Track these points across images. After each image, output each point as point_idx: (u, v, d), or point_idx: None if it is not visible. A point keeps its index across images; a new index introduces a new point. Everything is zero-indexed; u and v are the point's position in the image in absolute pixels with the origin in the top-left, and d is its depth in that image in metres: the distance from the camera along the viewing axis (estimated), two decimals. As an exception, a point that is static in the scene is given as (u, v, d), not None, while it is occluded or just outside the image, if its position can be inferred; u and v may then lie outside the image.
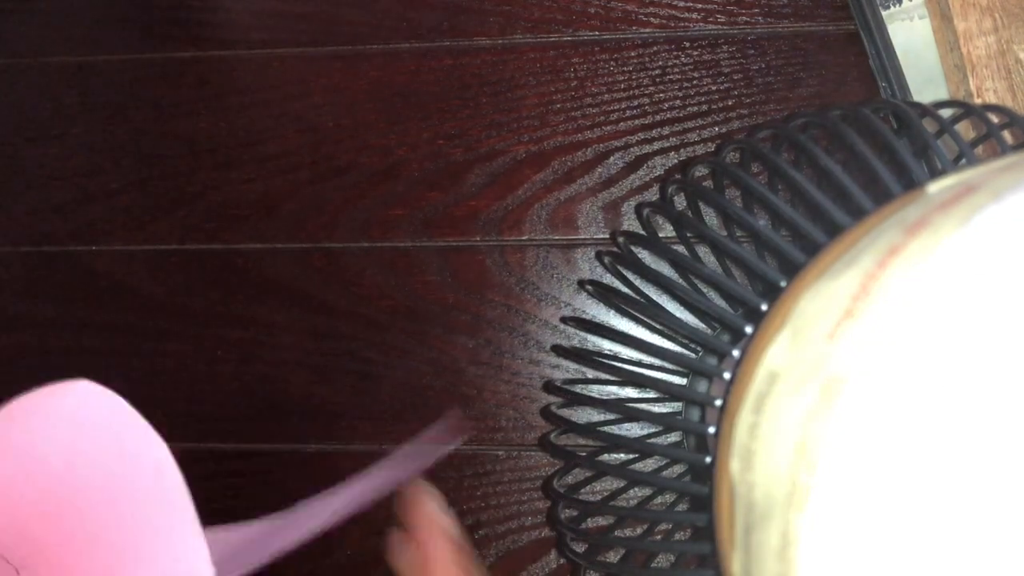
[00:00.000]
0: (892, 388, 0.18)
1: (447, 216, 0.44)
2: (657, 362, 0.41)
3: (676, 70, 0.44)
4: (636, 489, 0.41)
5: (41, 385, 0.25)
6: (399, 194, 0.45)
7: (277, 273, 0.45)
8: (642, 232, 0.37)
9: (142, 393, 0.48)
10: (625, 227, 0.44)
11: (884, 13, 0.40)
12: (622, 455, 0.41)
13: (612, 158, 0.44)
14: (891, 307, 0.19)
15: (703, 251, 0.42)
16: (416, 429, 0.44)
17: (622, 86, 0.44)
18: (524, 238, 0.44)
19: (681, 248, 0.39)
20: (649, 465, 0.40)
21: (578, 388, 0.43)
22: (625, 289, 0.40)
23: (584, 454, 0.38)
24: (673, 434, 0.41)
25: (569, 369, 0.44)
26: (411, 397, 0.44)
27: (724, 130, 0.43)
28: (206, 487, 0.44)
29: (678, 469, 0.39)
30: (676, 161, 0.44)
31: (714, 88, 0.44)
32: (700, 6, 0.44)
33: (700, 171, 0.42)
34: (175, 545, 0.23)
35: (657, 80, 0.44)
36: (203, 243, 0.46)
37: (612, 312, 0.44)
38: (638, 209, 0.43)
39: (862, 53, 0.42)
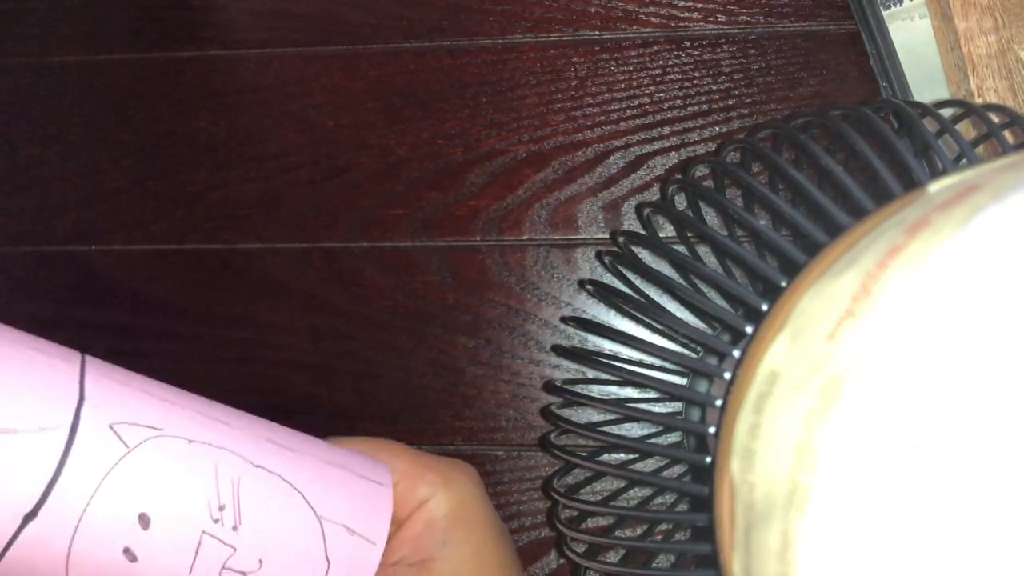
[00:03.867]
0: (893, 388, 0.18)
1: (447, 216, 0.44)
2: (657, 362, 0.41)
3: (676, 70, 0.44)
4: (636, 489, 0.41)
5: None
6: (399, 194, 0.45)
7: (277, 273, 0.45)
8: (642, 232, 0.37)
9: (142, 393, 0.48)
10: (625, 227, 0.44)
11: (885, 13, 0.40)
12: (622, 455, 0.41)
13: (612, 158, 0.44)
14: (892, 307, 0.19)
15: (704, 251, 0.42)
16: (416, 429, 0.44)
17: (622, 86, 0.44)
18: (524, 238, 0.44)
19: (681, 248, 0.39)
20: (649, 465, 0.40)
21: (578, 388, 0.43)
22: (625, 289, 0.40)
23: (584, 454, 0.38)
24: (673, 434, 0.41)
25: (569, 369, 0.44)
26: (411, 397, 0.44)
27: (724, 130, 0.43)
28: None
29: (678, 469, 0.39)
30: (676, 161, 0.44)
31: (714, 88, 0.44)
32: (700, 5, 0.44)
33: (701, 171, 0.42)
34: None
35: (657, 80, 0.44)
36: (203, 243, 0.46)
37: (612, 312, 0.44)
38: (638, 209, 0.43)
39: (863, 53, 0.42)
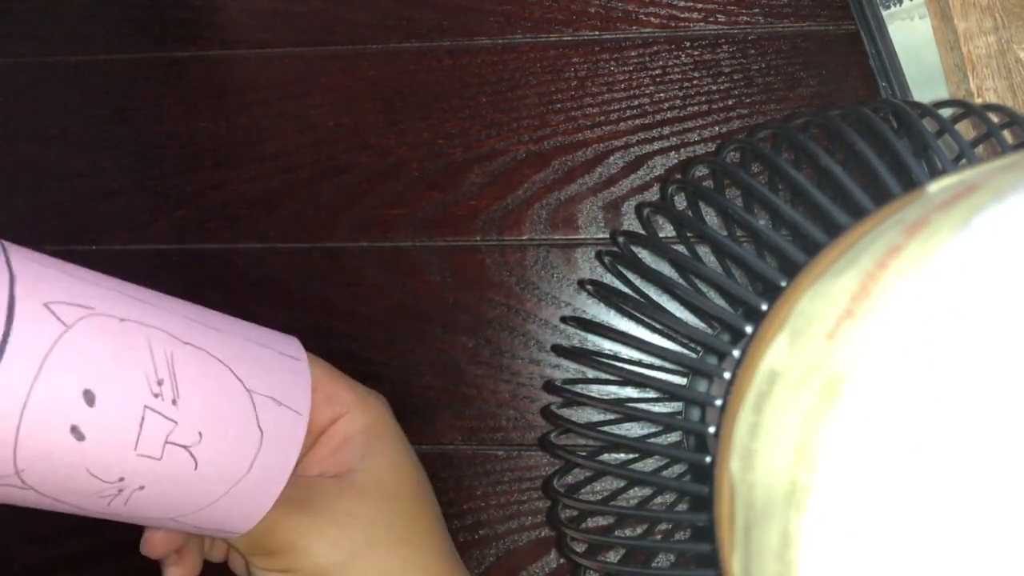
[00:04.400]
0: (892, 388, 0.18)
1: (447, 216, 0.44)
2: (657, 362, 0.41)
3: (676, 70, 0.44)
4: (636, 489, 0.41)
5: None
6: (399, 194, 0.45)
7: (277, 273, 0.45)
8: (642, 232, 0.37)
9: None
10: (625, 227, 0.44)
11: (884, 13, 0.40)
12: (622, 455, 0.41)
13: (612, 158, 0.44)
14: (891, 307, 0.19)
15: (703, 251, 0.42)
16: (416, 429, 0.44)
17: (622, 86, 0.44)
18: (524, 238, 0.44)
19: (681, 248, 0.39)
20: (649, 465, 0.40)
21: (578, 388, 0.43)
22: (625, 289, 0.40)
23: (584, 454, 0.38)
24: (673, 434, 0.41)
25: (569, 369, 0.44)
26: (411, 397, 0.44)
27: (724, 130, 0.43)
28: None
29: (678, 469, 0.39)
30: (676, 161, 0.44)
31: (714, 88, 0.44)
32: (700, 6, 0.44)
33: (700, 171, 0.42)
34: None
35: (657, 80, 0.44)
36: (203, 243, 0.46)
37: (612, 312, 0.44)
38: (638, 209, 0.43)
39: (862, 53, 0.42)
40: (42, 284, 0.23)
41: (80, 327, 0.23)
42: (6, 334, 0.21)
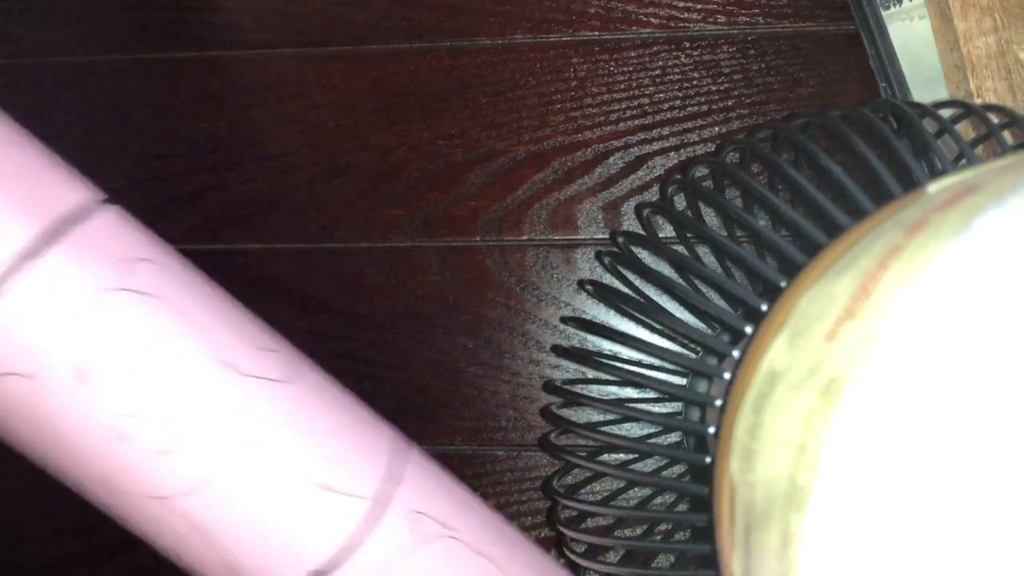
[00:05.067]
0: (892, 389, 0.18)
1: (447, 216, 0.44)
2: (657, 362, 0.41)
3: (676, 70, 0.44)
4: (636, 489, 0.41)
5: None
6: (399, 194, 0.45)
7: (277, 273, 0.45)
8: (642, 232, 0.37)
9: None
10: (625, 227, 0.44)
11: (884, 13, 0.40)
12: (622, 455, 0.41)
13: (612, 158, 0.44)
14: (891, 308, 0.19)
15: (703, 251, 0.42)
16: (416, 429, 0.44)
17: (622, 86, 0.44)
18: (524, 238, 0.44)
19: (681, 248, 0.39)
20: (649, 465, 0.40)
21: (578, 388, 0.43)
22: (625, 289, 0.40)
23: (584, 454, 0.38)
24: (673, 434, 0.41)
25: (569, 369, 0.44)
26: (411, 397, 0.44)
27: (724, 130, 0.43)
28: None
29: (678, 469, 0.39)
30: (676, 161, 0.44)
31: (714, 88, 0.44)
32: (700, 6, 0.44)
33: (700, 171, 0.42)
34: None
35: (657, 80, 0.44)
36: (203, 243, 0.46)
37: (612, 312, 0.44)
38: (638, 209, 0.43)
39: (862, 53, 0.42)
40: (422, 494, 0.24)
41: (436, 546, 0.23)
42: (368, 526, 0.22)
